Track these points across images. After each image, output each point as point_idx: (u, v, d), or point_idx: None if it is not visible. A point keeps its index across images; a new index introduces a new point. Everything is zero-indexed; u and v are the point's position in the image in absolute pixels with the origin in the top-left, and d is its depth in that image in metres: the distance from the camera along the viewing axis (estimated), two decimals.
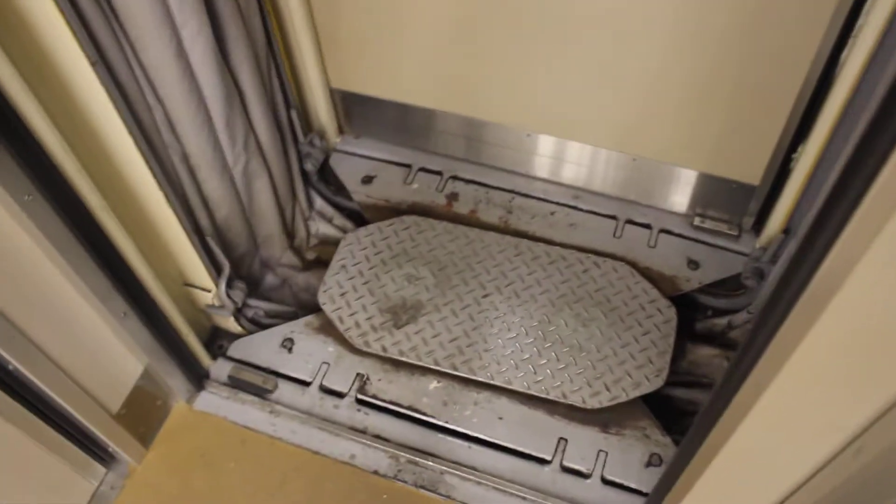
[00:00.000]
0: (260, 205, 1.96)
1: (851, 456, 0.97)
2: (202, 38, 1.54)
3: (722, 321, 1.94)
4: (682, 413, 1.82)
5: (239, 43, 1.68)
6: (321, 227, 2.20)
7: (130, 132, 1.41)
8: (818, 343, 0.81)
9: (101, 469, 1.75)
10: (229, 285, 1.81)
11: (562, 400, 1.78)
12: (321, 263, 2.14)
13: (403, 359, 1.86)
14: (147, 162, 1.47)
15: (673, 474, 1.31)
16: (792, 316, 0.80)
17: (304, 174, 2.16)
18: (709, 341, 1.93)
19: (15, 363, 1.37)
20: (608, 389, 1.78)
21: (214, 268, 1.77)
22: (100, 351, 1.59)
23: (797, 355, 0.84)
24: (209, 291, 1.80)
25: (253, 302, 1.96)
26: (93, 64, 1.28)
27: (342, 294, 1.97)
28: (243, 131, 1.78)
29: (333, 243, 2.14)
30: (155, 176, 1.50)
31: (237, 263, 1.96)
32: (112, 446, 1.71)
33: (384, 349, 1.87)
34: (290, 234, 2.14)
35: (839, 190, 0.68)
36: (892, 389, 0.84)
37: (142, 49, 1.46)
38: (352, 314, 1.94)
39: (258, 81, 1.77)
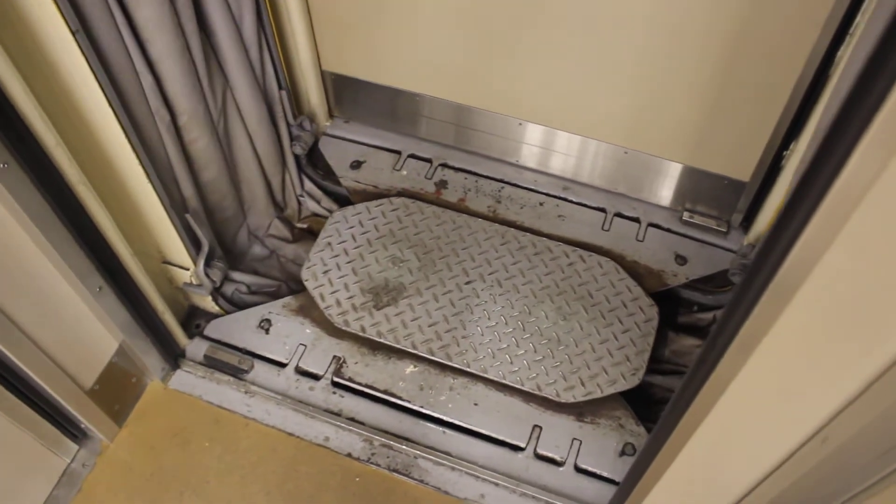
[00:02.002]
0: (242, 166, 1.95)
1: (818, 445, 0.97)
2: None
3: (707, 316, 1.93)
4: (660, 401, 1.81)
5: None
6: (311, 206, 2.19)
7: (111, 104, 1.39)
8: (785, 333, 0.80)
9: (72, 446, 1.74)
10: (208, 264, 1.79)
11: (536, 392, 1.77)
12: (311, 234, 2.13)
13: (381, 340, 1.85)
14: (128, 137, 1.45)
15: (643, 463, 1.30)
16: (759, 306, 0.79)
17: (294, 157, 2.15)
18: (693, 333, 1.91)
19: None
20: (583, 384, 1.77)
21: (193, 246, 1.76)
22: (74, 326, 1.58)
23: (764, 345, 0.83)
24: (187, 269, 1.79)
25: (237, 276, 1.96)
26: (74, 32, 1.27)
27: (325, 272, 1.96)
28: (221, 89, 1.78)
29: (324, 219, 2.14)
30: (136, 151, 1.48)
31: (223, 229, 1.96)
32: (84, 423, 1.70)
33: (363, 329, 1.86)
34: (278, 204, 2.14)
35: (806, 181, 0.68)
36: (857, 379, 0.84)
37: (136, 7, 1.44)
38: (333, 292, 1.92)
39: (239, 45, 1.76)
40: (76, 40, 1.28)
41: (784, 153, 1.79)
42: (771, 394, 0.94)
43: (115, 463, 1.75)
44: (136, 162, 1.50)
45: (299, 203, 2.19)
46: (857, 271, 0.71)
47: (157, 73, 1.57)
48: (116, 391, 1.76)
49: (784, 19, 1.55)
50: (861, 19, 1.46)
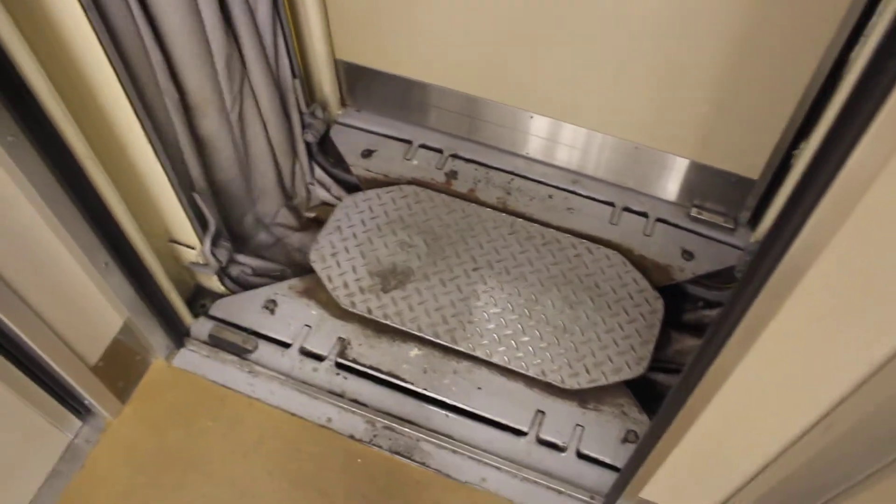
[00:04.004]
0: (255, 154, 1.94)
1: (822, 431, 0.96)
2: None
3: (711, 313, 1.92)
4: (663, 397, 1.81)
5: None
6: (321, 193, 2.19)
7: (121, 80, 1.39)
8: (791, 318, 0.81)
9: (76, 422, 1.74)
10: (214, 244, 1.79)
11: (541, 377, 1.77)
12: (319, 224, 2.12)
13: (387, 322, 1.85)
14: (137, 113, 1.45)
15: (645, 448, 1.30)
16: (763, 293, 0.80)
17: (306, 144, 2.15)
18: (696, 332, 1.91)
19: None
20: (588, 372, 1.77)
21: (200, 225, 1.76)
22: (80, 301, 1.58)
23: (768, 333, 0.84)
24: (194, 249, 1.79)
25: (241, 258, 1.95)
26: (85, 8, 1.27)
27: (333, 254, 1.97)
28: (239, 74, 1.77)
29: (333, 207, 2.13)
30: (144, 128, 1.48)
31: (229, 213, 1.95)
32: (88, 399, 1.70)
33: (369, 311, 1.86)
34: (287, 192, 2.14)
35: (814, 168, 0.68)
36: (863, 366, 0.84)
37: None
38: (341, 274, 1.93)
39: (254, 31, 1.76)
40: (87, 15, 1.28)
41: (793, 153, 1.79)
42: (775, 380, 0.95)
43: (119, 440, 1.75)
44: (144, 139, 1.50)
45: (308, 192, 2.18)
46: (863, 258, 0.71)
47: (166, 51, 1.57)
48: (121, 368, 1.76)
49: (798, 18, 1.55)
50: (877, 20, 1.46)
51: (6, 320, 1.40)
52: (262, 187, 2.03)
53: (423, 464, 1.70)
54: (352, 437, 1.73)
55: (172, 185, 1.62)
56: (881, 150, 0.61)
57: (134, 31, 1.46)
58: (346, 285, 1.91)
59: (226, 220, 1.92)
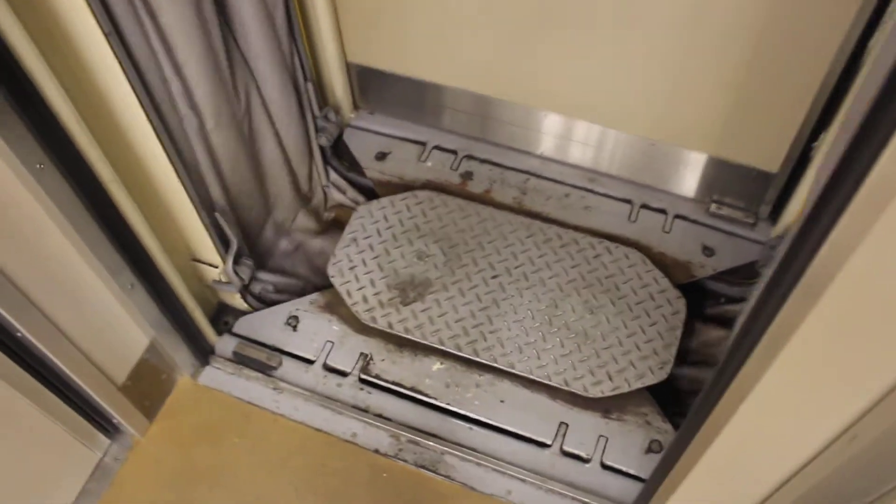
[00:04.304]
0: (267, 162, 1.95)
1: (846, 443, 0.96)
2: None
3: (734, 308, 1.92)
4: (688, 392, 1.81)
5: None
6: (336, 195, 2.20)
7: (143, 106, 1.40)
8: (815, 329, 0.80)
9: (105, 440, 1.76)
10: (236, 262, 1.80)
11: (564, 387, 1.77)
12: (338, 225, 2.13)
13: (409, 336, 1.85)
14: (159, 137, 1.46)
15: (670, 459, 1.30)
16: (789, 302, 0.79)
17: (319, 148, 2.15)
18: (720, 323, 1.90)
19: (23, 331, 1.38)
20: (611, 379, 1.77)
21: (222, 244, 1.77)
22: (107, 322, 1.60)
23: (794, 342, 0.83)
24: (216, 267, 1.80)
25: (262, 276, 1.96)
26: (107, 35, 1.28)
27: (351, 268, 1.97)
28: (244, 86, 1.77)
29: (350, 209, 2.14)
30: (166, 150, 1.49)
31: (249, 228, 1.96)
32: (116, 418, 1.72)
33: (390, 326, 1.87)
34: (304, 195, 2.14)
35: (839, 175, 0.67)
36: (887, 377, 0.83)
37: (161, 12, 1.44)
38: (360, 288, 1.93)
39: (269, 38, 1.76)
40: (108, 42, 1.29)
41: (813, 145, 1.77)
42: (800, 391, 0.94)
43: (146, 458, 1.78)
44: (166, 161, 1.51)
45: (325, 193, 2.19)
46: (887, 268, 0.70)
47: (183, 78, 1.57)
48: (147, 387, 1.78)
49: (815, 7, 1.53)
50: (895, 7, 1.44)
51: (37, 342, 1.42)
52: (277, 193, 2.03)
53: (448, 477, 1.71)
54: (377, 451, 1.75)
55: (194, 206, 1.63)
56: None
57: (153, 59, 1.47)
58: (365, 300, 1.91)
59: (246, 236, 1.93)
